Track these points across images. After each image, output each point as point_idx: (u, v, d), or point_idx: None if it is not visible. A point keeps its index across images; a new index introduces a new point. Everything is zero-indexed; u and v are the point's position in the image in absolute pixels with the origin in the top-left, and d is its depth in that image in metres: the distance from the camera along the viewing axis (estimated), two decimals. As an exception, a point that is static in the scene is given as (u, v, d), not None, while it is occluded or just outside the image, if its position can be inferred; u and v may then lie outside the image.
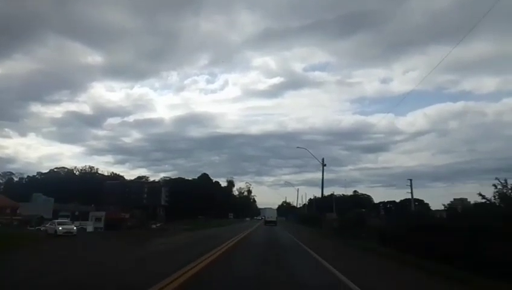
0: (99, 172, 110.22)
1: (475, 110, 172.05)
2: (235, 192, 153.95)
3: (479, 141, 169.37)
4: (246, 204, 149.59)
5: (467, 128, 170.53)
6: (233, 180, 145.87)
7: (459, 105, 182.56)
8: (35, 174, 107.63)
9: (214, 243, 19.51)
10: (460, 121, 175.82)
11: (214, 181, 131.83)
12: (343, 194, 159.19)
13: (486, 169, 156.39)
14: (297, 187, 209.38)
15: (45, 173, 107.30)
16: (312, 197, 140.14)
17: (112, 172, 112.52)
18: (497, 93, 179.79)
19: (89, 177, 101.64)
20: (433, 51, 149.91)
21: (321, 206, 44.95)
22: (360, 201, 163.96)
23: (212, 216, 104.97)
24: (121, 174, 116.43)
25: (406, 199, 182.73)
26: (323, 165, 40.57)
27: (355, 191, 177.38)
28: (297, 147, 38.55)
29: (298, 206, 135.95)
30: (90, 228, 45.89)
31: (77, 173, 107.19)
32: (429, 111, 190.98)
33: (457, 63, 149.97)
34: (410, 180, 38.04)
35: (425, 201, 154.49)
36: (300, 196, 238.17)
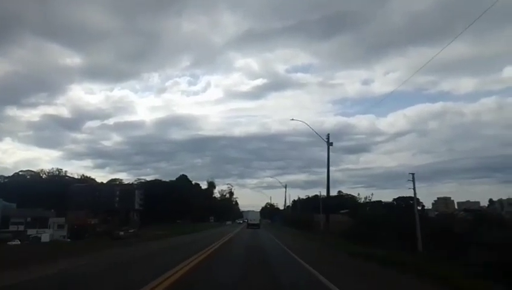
0: (68, 175, 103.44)
1: (454, 111, 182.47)
2: (217, 194, 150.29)
3: (457, 141, 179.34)
4: (227, 207, 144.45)
5: (446, 129, 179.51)
6: (214, 182, 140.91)
7: (438, 105, 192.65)
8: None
9: (184, 254, 15.53)
10: (440, 121, 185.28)
11: (193, 183, 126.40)
12: (320, 195, 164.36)
13: (465, 168, 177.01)
14: (284, 184, 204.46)
15: (9, 177, 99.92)
16: (296, 199, 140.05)
17: (83, 175, 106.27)
18: (475, 94, 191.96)
19: (57, 180, 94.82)
20: (412, 52, 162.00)
21: (328, 204, 38.63)
22: (344, 202, 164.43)
23: (192, 220, 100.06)
24: (99, 179, 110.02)
25: (378, 201, 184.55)
26: (329, 143, 33.49)
27: (339, 192, 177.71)
28: (292, 120, 33.42)
29: (285, 207, 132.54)
30: (46, 237, 40.01)
31: (44, 176, 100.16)
32: (409, 112, 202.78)
33: (437, 64, 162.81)
34: (413, 174, 33.48)
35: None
36: (283, 197, 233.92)
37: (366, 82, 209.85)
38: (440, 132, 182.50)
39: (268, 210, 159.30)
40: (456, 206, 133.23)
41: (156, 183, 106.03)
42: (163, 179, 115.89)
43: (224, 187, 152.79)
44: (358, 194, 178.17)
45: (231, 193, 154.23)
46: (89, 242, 37.71)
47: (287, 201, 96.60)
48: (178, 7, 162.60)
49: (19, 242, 33.32)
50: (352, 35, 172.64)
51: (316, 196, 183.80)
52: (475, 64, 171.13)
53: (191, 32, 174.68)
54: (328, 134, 33.95)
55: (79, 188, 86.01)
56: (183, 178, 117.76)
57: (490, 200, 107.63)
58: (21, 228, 43.85)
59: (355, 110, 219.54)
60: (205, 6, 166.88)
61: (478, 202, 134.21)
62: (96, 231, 59.12)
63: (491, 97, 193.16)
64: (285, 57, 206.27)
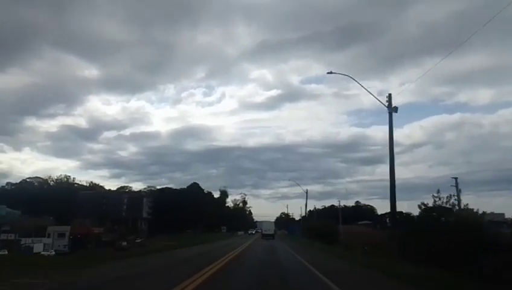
0: (77, 182, 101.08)
1: (471, 122, 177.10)
2: (230, 204, 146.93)
3: (475, 153, 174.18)
4: (241, 216, 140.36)
5: (463, 140, 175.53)
6: (227, 190, 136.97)
7: (456, 117, 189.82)
8: (4, 184, 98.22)
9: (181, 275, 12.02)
10: (457, 132, 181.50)
11: (205, 191, 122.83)
12: (344, 205, 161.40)
13: (483, 181, 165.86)
14: (305, 188, 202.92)
15: (16, 184, 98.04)
16: (312, 209, 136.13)
17: (91, 182, 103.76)
18: (493, 105, 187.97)
19: (65, 187, 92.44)
20: (428, 63, 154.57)
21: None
22: (362, 212, 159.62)
23: (203, 230, 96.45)
24: (112, 187, 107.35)
25: (398, 212, 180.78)
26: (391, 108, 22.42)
27: (357, 202, 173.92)
28: (328, 72, 24.88)
29: (306, 214, 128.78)
30: (39, 247, 36.68)
31: (52, 183, 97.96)
32: (425, 123, 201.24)
33: (453, 75, 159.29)
34: (456, 179, 29.14)
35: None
36: (299, 208, 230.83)
37: (381, 93, 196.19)
38: (457, 144, 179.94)
39: (284, 220, 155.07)
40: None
41: (166, 191, 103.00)
42: (174, 187, 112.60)
43: (238, 197, 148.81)
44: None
45: (244, 202, 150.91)
46: (90, 253, 34.64)
47: (303, 211, 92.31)
48: (193, 19, 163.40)
49: (6, 252, 30.16)
50: (366, 46, 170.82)
51: (333, 206, 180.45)
52: (492, 75, 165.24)
53: (205, 43, 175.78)
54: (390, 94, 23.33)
55: (86, 195, 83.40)
56: (195, 186, 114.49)
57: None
58: (12, 236, 40.66)
59: (370, 120, 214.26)
60: (220, 18, 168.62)
61: (503, 214, 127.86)
62: (101, 240, 56.32)
63: (509, 108, 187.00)
64: (299, 68, 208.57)
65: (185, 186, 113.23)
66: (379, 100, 22.54)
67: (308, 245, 39.84)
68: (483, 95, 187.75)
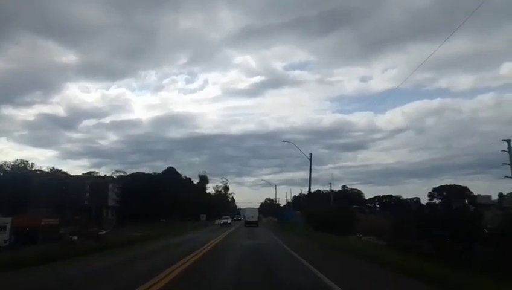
0: (35, 167, 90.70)
1: (451, 108, 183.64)
2: (212, 191, 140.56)
3: (455, 138, 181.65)
4: (222, 203, 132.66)
5: (443, 125, 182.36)
6: (207, 175, 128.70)
7: (436, 102, 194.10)
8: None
9: None
10: (437, 118, 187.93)
11: (183, 177, 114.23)
12: (331, 190, 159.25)
13: (462, 165, 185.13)
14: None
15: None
16: (298, 195, 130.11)
17: (53, 167, 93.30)
18: (473, 91, 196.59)
19: (21, 174, 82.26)
20: (411, 49, 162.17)
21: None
22: (350, 197, 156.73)
23: (182, 218, 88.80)
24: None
25: (388, 195, 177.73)
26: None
27: (343, 186, 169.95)
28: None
29: (289, 200, 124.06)
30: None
31: (8, 169, 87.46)
32: (407, 109, 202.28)
33: (435, 61, 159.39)
34: (508, 141, 21.77)
35: (404, 197, 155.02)
36: (283, 194, 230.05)
37: (364, 79, 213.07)
38: (438, 129, 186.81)
39: (269, 207, 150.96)
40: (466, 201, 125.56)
41: (138, 177, 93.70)
42: (148, 172, 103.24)
43: (220, 184, 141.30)
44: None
45: (226, 188, 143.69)
46: (29, 249, 26.62)
47: (287, 197, 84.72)
48: (175, 3, 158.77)
49: None
50: (350, 32, 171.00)
51: (319, 191, 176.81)
52: (474, 60, 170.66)
53: (188, 29, 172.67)
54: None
55: (43, 181, 73.80)
56: (172, 171, 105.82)
57: (500, 195, 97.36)
58: None
59: (353, 107, 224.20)
60: (202, 2, 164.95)
61: (490, 196, 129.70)
62: (58, 233, 48.14)
63: (489, 94, 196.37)
64: (283, 54, 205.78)
65: (160, 172, 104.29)
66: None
67: (315, 240, 27.10)
68: (464, 80, 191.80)
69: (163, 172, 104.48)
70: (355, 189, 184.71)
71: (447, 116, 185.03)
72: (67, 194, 72.92)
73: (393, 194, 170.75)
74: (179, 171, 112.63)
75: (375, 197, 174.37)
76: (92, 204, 73.74)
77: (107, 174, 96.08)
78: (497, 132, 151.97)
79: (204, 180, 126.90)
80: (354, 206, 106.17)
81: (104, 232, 59.84)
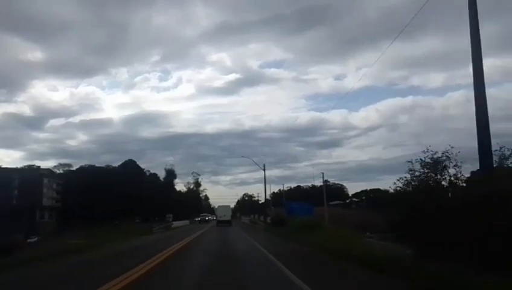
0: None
1: (423, 105, 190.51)
2: (183, 188, 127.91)
3: (426, 134, 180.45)
4: (193, 202, 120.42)
5: (415, 122, 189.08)
6: (174, 169, 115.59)
7: (408, 100, 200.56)
8: None
9: None
10: (409, 115, 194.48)
11: (146, 171, 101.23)
12: (312, 185, 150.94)
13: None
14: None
15: None
16: (278, 191, 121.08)
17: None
18: (443, 88, 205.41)
19: None
20: (385, 47, 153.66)
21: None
22: (332, 192, 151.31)
23: (144, 219, 76.39)
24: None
25: (375, 189, 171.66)
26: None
27: (326, 181, 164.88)
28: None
29: (267, 197, 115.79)
30: None
31: None
32: (381, 106, 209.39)
33: (408, 59, 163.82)
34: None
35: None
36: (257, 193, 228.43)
37: (339, 77, 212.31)
38: (410, 126, 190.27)
39: (247, 203, 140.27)
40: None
41: (87, 171, 79.76)
42: (98, 165, 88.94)
43: (190, 179, 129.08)
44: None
45: (198, 184, 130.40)
46: None
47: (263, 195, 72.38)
48: None
49: None
50: (326, 29, 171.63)
51: (299, 186, 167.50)
52: (444, 59, 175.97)
53: (161, 25, 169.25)
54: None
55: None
56: (131, 164, 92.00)
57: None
58: None
59: (328, 105, 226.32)
60: None
61: None
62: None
63: (459, 91, 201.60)
64: (258, 52, 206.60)
65: (116, 165, 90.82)
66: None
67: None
68: (435, 78, 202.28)
69: (119, 166, 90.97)
70: (338, 183, 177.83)
71: (419, 113, 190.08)
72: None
73: (381, 188, 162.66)
74: (154, 171, 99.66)
75: (362, 191, 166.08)
76: (24, 203, 60.07)
77: (48, 167, 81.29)
78: (465, 128, 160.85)
79: (171, 174, 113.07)
80: (337, 202, 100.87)
81: (35, 239, 49.23)
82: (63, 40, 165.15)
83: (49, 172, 76.02)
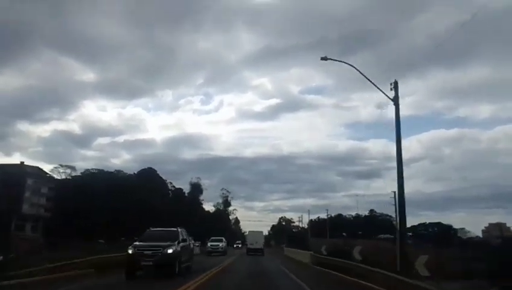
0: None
1: (469, 137, 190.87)
2: (211, 208, 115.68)
3: (471, 169, 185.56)
4: (222, 222, 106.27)
5: (460, 156, 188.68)
6: (201, 183, 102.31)
7: (453, 132, 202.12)
8: None
9: None
10: (454, 147, 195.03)
11: (168, 184, 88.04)
12: (356, 214, 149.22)
13: (478, 197, 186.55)
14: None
15: None
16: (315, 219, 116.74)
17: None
18: (492, 121, 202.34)
19: None
20: (430, 75, 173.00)
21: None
22: (379, 224, 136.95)
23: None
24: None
25: (436, 223, 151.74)
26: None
27: (371, 211, 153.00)
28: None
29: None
30: None
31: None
32: (424, 137, 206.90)
33: (455, 88, 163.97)
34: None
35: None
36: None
37: (380, 105, 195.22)
38: (454, 159, 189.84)
39: (285, 229, 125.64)
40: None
41: (94, 176, 66.97)
42: (110, 171, 76.45)
43: (219, 199, 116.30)
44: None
45: (227, 203, 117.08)
46: None
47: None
48: (195, 23, 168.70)
49: None
50: (370, 55, 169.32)
51: (340, 215, 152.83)
52: (494, 89, 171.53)
53: (206, 48, 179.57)
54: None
55: None
56: (150, 172, 79.09)
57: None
58: None
59: (369, 134, 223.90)
60: (222, 22, 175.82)
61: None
62: None
63: (509, 125, 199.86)
64: (299, 77, 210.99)
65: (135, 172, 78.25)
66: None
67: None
68: (483, 110, 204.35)
69: (138, 173, 78.53)
70: (387, 214, 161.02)
71: (464, 146, 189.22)
72: None
73: (442, 222, 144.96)
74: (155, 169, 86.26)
75: (420, 224, 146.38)
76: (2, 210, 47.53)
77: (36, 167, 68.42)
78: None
79: (196, 189, 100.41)
80: (387, 236, 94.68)
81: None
82: (113, 62, 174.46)
83: (37, 170, 63.73)
